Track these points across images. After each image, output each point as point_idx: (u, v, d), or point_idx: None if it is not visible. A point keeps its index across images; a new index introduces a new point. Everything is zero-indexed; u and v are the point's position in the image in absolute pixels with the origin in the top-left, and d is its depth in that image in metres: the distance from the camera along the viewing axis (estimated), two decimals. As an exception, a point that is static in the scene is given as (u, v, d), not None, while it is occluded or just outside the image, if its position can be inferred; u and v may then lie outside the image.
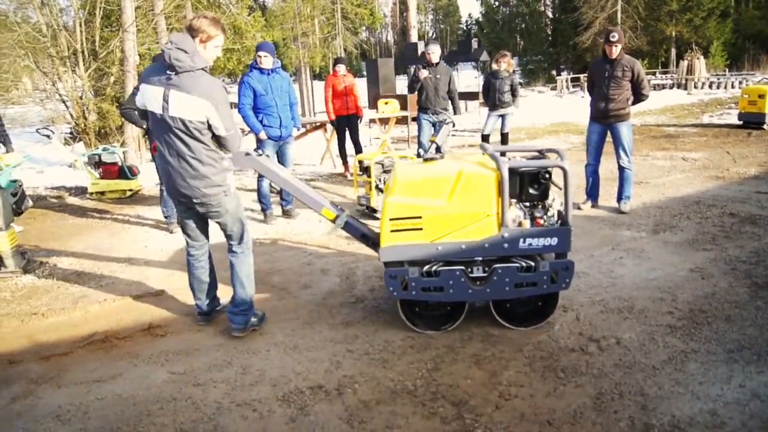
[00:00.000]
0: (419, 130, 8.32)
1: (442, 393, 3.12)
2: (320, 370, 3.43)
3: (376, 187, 6.62)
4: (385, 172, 6.77)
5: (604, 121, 6.35)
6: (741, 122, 13.24)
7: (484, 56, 19.08)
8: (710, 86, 25.05)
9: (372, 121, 12.21)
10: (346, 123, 9.30)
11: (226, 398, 3.17)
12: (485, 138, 9.56)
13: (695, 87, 24.82)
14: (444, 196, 3.54)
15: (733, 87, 23.99)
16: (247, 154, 3.95)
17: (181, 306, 4.46)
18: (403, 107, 13.81)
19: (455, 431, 2.79)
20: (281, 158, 6.75)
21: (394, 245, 3.56)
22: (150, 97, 3.46)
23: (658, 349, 3.48)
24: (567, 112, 18.43)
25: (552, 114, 18.42)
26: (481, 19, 47.90)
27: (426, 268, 3.61)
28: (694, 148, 10.87)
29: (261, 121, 6.38)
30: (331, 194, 8.16)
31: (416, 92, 8.30)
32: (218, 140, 3.57)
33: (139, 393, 3.25)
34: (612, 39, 6.09)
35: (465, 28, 66.74)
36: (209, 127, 3.47)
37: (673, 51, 33.72)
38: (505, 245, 3.56)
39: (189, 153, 3.49)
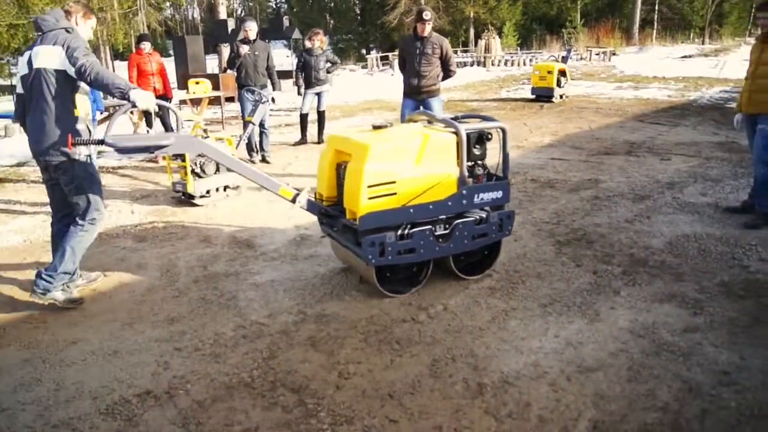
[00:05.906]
0: (242, 108, 8.31)
1: (281, 381, 3.02)
2: (146, 374, 3.13)
3: (192, 171, 6.23)
4: (199, 156, 6.38)
5: (417, 96, 6.56)
6: (534, 96, 14.57)
7: (296, 34, 18.92)
8: (505, 63, 27.22)
9: (183, 102, 11.52)
10: (154, 105, 8.70)
11: (39, 420, 2.76)
12: (304, 117, 9.47)
13: (493, 64, 26.78)
14: (412, 160, 3.69)
15: (524, 64, 26.31)
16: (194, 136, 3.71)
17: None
18: (215, 87, 13.21)
19: (298, 418, 2.71)
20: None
21: (373, 212, 3.59)
22: (21, 68, 3.75)
23: (482, 311, 3.68)
24: (378, 90, 18.86)
25: (364, 92, 18.74)
26: (290, -3, 47.38)
27: (400, 231, 3.70)
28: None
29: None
30: (142, 182, 7.53)
31: (236, 69, 8.24)
32: (80, 78, 3.57)
33: None
34: (425, 18, 6.30)
35: (275, 6, 65.44)
36: (68, 78, 3.62)
37: (472, 31, 36.17)
38: (464, 201, 3.86)
39: (42, 108, 3.63)
